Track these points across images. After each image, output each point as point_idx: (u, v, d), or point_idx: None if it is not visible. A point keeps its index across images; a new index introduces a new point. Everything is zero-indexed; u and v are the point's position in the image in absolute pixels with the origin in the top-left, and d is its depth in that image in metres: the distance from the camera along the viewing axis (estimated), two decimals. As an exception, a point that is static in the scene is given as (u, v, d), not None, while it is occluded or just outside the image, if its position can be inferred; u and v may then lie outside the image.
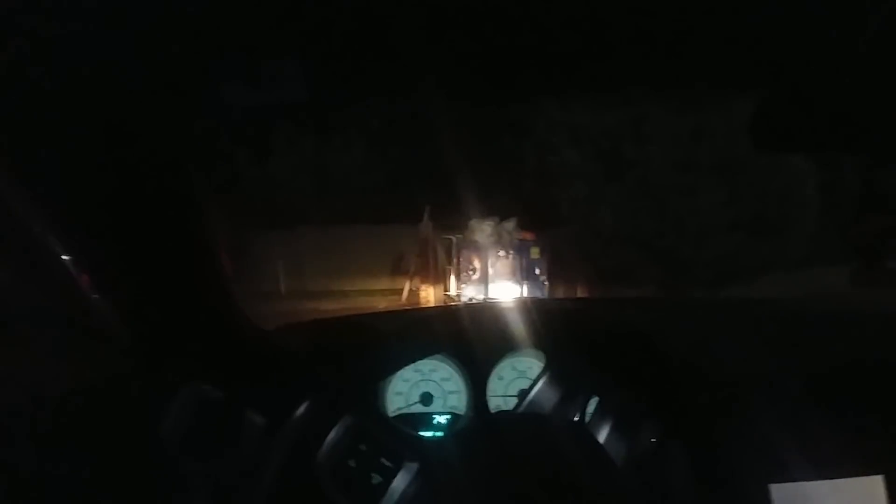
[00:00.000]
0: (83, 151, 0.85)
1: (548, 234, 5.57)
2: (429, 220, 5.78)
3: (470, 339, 1.08)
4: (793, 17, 0.96)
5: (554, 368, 1.06)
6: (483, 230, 5.71)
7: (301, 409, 0.92)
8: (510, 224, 5.84)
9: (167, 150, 0.92)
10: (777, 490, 0.95)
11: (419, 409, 1.16)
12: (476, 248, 5.84)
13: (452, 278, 5.85)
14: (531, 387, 1.07)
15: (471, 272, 5.73)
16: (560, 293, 5.63)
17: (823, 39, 0.96)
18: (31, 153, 0.81)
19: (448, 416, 1.15)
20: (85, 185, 0.88)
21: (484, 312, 1.19)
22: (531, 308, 1.12)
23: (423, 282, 5.75)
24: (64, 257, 0.89)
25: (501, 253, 5.75)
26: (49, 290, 0.92)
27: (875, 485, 1.01)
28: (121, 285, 0.92)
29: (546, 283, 5.69)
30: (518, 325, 1.09)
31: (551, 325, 1.10)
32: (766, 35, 1.04)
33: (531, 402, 1.05)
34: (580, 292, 5.56)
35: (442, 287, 5.82)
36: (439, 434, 1.15)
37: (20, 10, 0.65)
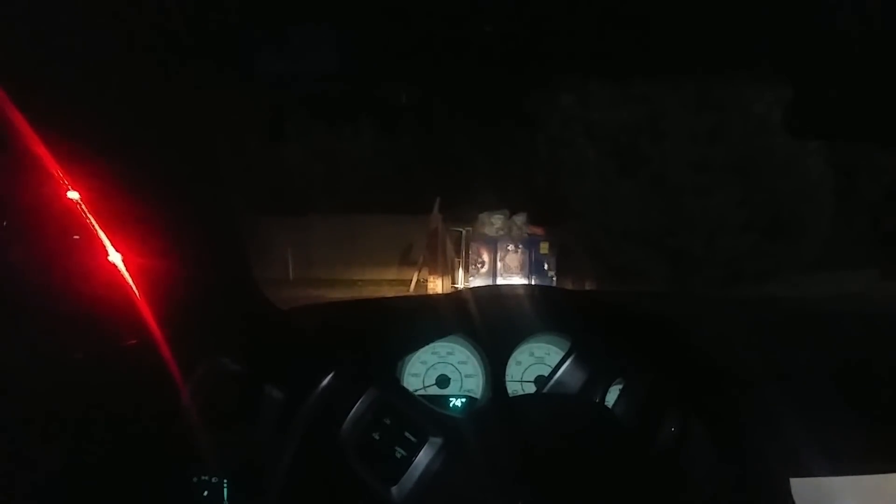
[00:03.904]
0: (118, 126, 0.85)
1: (558, 230, 5.55)
2: (438, 211, 5.76)
3: (490, 322, 1.07)
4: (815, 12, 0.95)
5: (580, 349, 1.05)
6: (493, 223, 5.70)
7: (325, 382, 0.92)
8: (520, 218, 5.82)
9: (203, 123, 0.92)
10: (797, 485, 0.95)
11: (435, 391, 1.16)
12: (485, 241, 5.82)
13: (461, 270, 5.84)
14: (557, 367, 1.06)
15: (479, 265, 5.72)
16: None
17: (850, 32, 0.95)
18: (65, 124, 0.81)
19: (464, 399, 1.14)
20: (114, 156, 0.88)
21: (505, 295, 1.18)
22: (553, 293, 1.11)
23: (431, 273, 5.73)
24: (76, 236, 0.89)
25: (510, 247, 5.74)
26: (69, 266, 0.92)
27: (894, 482, 1.00)
28: (146, 262, 0.92)
29: (554, 278, 5.67)
30: (541, 308, 1.08)
31: (576, 310, 1.09)
32: (790, 28, 1.02)
33: (557, 382, 1.05)
34: (588, 288, 5.52)
35: (450, 279, 5.82)
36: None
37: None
